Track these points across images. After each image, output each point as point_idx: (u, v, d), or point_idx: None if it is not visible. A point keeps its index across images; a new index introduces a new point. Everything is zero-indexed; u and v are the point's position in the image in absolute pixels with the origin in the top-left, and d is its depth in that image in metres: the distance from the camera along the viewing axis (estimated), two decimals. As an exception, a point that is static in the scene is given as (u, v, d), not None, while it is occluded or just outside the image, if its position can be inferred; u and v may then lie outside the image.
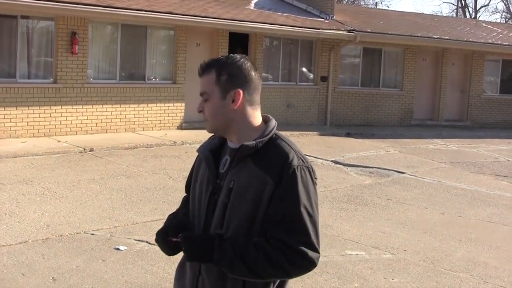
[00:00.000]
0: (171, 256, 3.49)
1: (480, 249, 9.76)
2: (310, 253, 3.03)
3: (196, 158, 3.54)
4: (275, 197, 3.06)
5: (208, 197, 3.28)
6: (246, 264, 3.01)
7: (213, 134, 3.42)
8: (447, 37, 26.84)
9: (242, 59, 3.28)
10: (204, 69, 3.24)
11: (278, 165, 3.09)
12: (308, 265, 3.05)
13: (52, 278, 7.46)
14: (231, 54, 3.31)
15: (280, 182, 3.06)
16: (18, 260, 7.99)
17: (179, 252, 3.27)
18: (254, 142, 3.16)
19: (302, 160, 3.20)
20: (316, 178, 3.25)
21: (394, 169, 15.98)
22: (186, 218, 3.45)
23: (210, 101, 3.22)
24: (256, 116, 3.29)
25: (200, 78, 3.26)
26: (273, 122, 3.32)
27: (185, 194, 3.68)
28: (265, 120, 3.34)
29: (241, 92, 3.21)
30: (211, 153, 3.35)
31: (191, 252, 3.12)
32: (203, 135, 15.89)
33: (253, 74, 3.29)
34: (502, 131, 27.05)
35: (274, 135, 3.24)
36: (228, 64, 3.23)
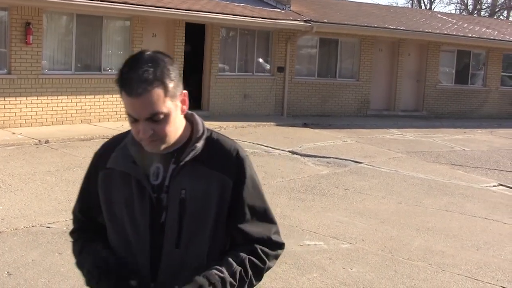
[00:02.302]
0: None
1: (437, 238, 9.83)
2: (281, 239, 3.00)
3: (93, 174, 2.99)
4: (239, 195, 2.86)
5: (149, 216, 2.79)
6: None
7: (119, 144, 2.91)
8: (403, 28, 27.03)
9: (161, 53, 2.77)
10: (147, 83, 2.63)
11: (230, 162, 2.85)
12: (281, 251, 3.00)
13: (7, 272, 7.35)
14: (147, 53, 2.74)
15: (239, 179, 2.85)
16: (-28, 254, 7.87)
17: None
18: (203, 141, 2.84)
19: (242, 149, 2.96)
20: None
21: (351, 159, 16.04)
22: (108, 251, 2.88)
23: (167, 119, 2.71)
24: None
25: (138, 98, 2.63)
26: (197, 116, 2.94)
27: (78, 220, 3.15)
28: (189, 114, 2.92)
29: (186, 92, 2.82)
30: (135, 165, 2.83)
31: None
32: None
33: (177, 68, 2.80)
34: (457, 121, 27.35)
35: (208, 130, 2.94)
36: (165, 68, 2.69)
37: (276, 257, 2.97)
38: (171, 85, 2.69)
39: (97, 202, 2.95)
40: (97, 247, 2.91)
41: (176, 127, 2.77)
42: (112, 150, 2.93)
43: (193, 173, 2.80)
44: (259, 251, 2.88)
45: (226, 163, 2.85)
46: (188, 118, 2.91)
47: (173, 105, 2.72)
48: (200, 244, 2.82)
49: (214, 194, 2.80)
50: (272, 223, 2.97)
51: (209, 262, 2.82)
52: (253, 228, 2.90)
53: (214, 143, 2.89)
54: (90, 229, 3.06)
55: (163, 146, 2.76)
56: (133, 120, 2.70)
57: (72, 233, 3.17)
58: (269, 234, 2.93)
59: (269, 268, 2.93)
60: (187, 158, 2.79)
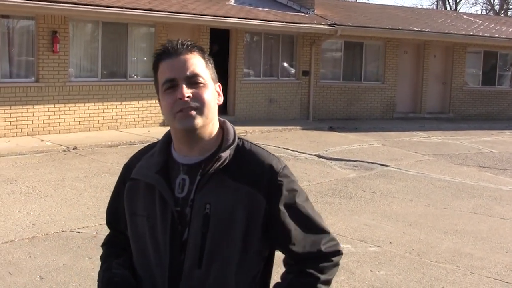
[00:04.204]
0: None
1: (466, 240, 9.79)
2: (335, 247, 2.73)
3: (121, 185, 2.85)
4: (276, 213, 2.59)
5: (170, 232, 2.59)
6: None
7: (160, 143, 2.75)
8: (428, 30, 26.93)
9: None
10: (185, 48, 2.60)
11: (263, 175, 2.58)
12: (339, 258, 2.75)
13: (39, 276, 7.45)
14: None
15: (272, 195, 2.58)
16: (5, 259, 7.97)
17: None
18: (229, 151, 2.60)
19: (279, 160, 2.68)
20: None
21: (378, 162, 16.02)
22: (126, 272, 2.72)
23: (206, 88, 2.59)
24: None
25: (176, 57, 2.58)
26: (229, 124, 2.74)
27: (109, 233, 3.02)
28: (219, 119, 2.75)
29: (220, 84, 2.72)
30: (161, 175, 2.64)
31: None
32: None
33: None
34: (485, 123, 27.16)
35: (239, 137, 2.70)
36: (204, 51, 2.68)
37: (335, 265, 2.72)
38: (210, 65, 2.66)
39: (125, 215, 2.79)
40: (114, 264, 2.76)
41: (213, 112, 2.61)
42: (139, 159, 2.76)
43: (220, 186, 2.56)
44: (309, 269, 2.65)
45: (257, 176, 2.58)
46: (220, 125, 2.71)
47: (212, 85, 2.63)
48: (223, 266, 2.57)
49: (241, 211, 2.55)
50: (321, 233, 2.70)
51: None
52: (299, 245, 2.65)
53: (245, 154, 2.64)
54: (118, 243, 2.91)
55: (199, 121, 2.55)
56: (169, 87, 2.55)
57: (102, 246, 3.03)
58: (318, 246, 2.66)
59: (327, 281, 2.68)
60: (213, 169, 2.55)
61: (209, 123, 2.61)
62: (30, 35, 17.69)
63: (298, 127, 22.12)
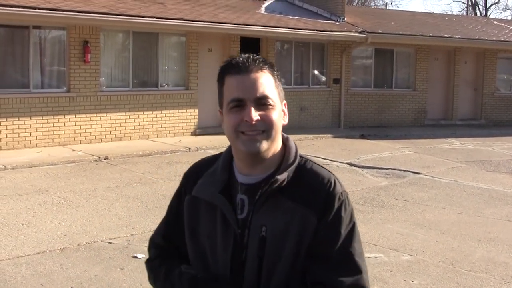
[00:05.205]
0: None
1: (500, 248, 9.68)
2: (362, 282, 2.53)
3: (182, 198, 2.76)
4: (319, 233, 2.47)
5: (231, 254, 2.53)
6: None
7: (221, 164, 2.64)
8: (458, 36, 26.76)
9: None
10: (256, 65, 2.48)
11: (320, 196, 2.48)
12: None
13: (71, 287, 7.46)
14: (251, 54, 2.56)
15: (324, 215, 2.47)
16: (37, 270, 7.99)
17: None
18: (287, 173, 2.50)
19: (341, 184, 2.58)
20: None
21: (410, 170, 15.92)
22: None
23: (275, 110, 2.48)
24: None
25: (249, 75, 2.46)
26: (292, 141, 2.64)
27: (156, 248, 2.85)
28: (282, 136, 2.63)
29: (286, 102, 2.60)
30: (223, 195, 2.56)
31: None
32: (217, 141, 15.78)
33: None
34: (517, 129, 26.91)
35: (300, 156, 2.60)
36: (274, 67, 2.56)
37: None
38: (279, 82, 2.54)
39: (184, 229, 2.71)
40: (183, 268, 2.67)
41: (279, 134, 2.52)
42: (200, 174, 2.69)
43: (277, 208, 2.48)
44: None
45: (314, 197, 2.48)
46: (283, 142, 2.62)
47: (280, 105, 2.52)
48: (278, 285, 2.49)
49: (293, 231, 2.46)
50: (354, 272, 2.51)
51: None
52: (327, 272, 2.48)
53: (305, 173, 2.54)
54: (172, 257, 2.76)
55: (265, 145, 2.47)
56: (236, 105, 2.45)
57: (149, 262, 2.86)
58: (348, 282, 2.48)
59: None
60: (269, 190, 2.47)
61: (275, 147, 2.53)
62: (62, 45, 17.82)
63: (329, 135, 22.06)
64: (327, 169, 2.60)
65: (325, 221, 2.46)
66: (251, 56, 2.50)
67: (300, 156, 2.59)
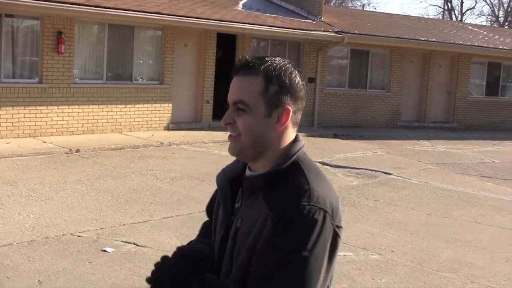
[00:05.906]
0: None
1: (467, 249, 9.78)
2: None
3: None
4: (263, 238, 2.36)
5: (221, 236, 2.62)
6: None
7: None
8: (434, 39, 26.89)
9: (291, 65, 2.59)
10: (247, 68, 2.48)
11: (284, 203, 2.35)
12: None
13: (38, 281, 7.40)
14: (272, 57, 2.55)
15: (277, 223, 2.32)
16: (3, 263, 7.92)
17: None
18: (273, 174, 2.47)
19: (317, 200, 2.36)
20: (337, 225, 2.50)
21: (381, 170, 15.99)
22: (203, 245, 2.73)
23: (249, 115, 2.45)
24: (291, 138, 2.58)
25: (236, 77, 2.49)
26: (299, 144, 2.59)
27: (207, 219, 2.95)
28: (294, 140, 2.60)
29: (290, 110, 2.51)
30: (229, 183, 2.64)
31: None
32: (190, 136, 15.77)
33: (303, 86, 2.63)
34: (487, 133, 27.08)
35: (295, 162, 2.51)
36: (280, 71, 2.50)
37: None
38: (273, 87, 2.46)
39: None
40: (196, 238, 2.87)
41: (260, 140, 2.49)
42: (236, 162, 2.73)
43: (253, 204, 2.47)
44: None
45: (280, 202, 2.37)
46: (294, 141, 2.59)
47: (264, 110, 2.46)
48: (236, 280, 2.45)
49: (256, 230, 2.41)
50: None
51: None
52: (249, 280, 2.38)
53: (291, 178, 2.46)
54: (207, 227, 2.89)
55: (236, 150, 2.51)
56: (227, 107, 2.53)
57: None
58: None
59: None
60: (252, 186, 2.51)
61: (257, 148, 2.50)
62: (35, 35, 17.67)
63: (302, 133, 21.43)
64: (310, 180, 2.44)
65: (274, 229, 2.33)
66: (248, 58, 2.52)
67: (299, 160, 2.52)
